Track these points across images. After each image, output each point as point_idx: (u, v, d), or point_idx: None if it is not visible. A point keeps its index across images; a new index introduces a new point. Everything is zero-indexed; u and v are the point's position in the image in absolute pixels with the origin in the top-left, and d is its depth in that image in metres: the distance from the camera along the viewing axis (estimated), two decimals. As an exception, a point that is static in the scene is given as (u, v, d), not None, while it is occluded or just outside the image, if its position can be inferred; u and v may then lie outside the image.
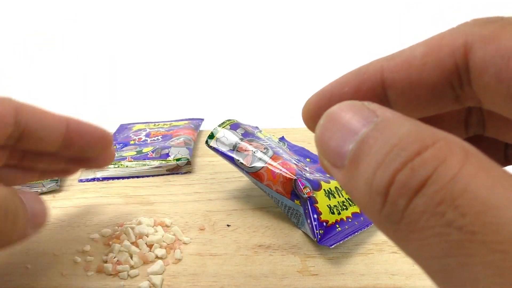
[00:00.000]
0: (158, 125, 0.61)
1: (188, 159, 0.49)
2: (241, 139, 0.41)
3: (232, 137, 0.41)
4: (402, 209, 0.12)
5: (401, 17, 0.97)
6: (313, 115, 0.17)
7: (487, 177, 0.11)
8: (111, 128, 0.62)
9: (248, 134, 0.42)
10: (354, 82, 0.16)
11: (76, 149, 0.31)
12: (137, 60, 0.88)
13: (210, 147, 0.42)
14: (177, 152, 0.50)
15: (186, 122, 0.61)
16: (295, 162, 0.41)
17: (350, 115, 0.14)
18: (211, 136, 0.42)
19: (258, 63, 0.87)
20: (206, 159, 0.52)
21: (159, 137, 0.56)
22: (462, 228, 0.10)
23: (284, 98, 0.74)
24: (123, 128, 0.62)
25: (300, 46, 0.92)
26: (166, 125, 0.61)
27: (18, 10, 0.93)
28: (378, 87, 0.16)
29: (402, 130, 0.12)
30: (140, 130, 0.59)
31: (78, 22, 0.92)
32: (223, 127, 0.42)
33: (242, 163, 0.40)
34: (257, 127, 0.46)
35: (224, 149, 0.41)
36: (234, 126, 0.43)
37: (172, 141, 0.54)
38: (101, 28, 0.93)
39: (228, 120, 0.44)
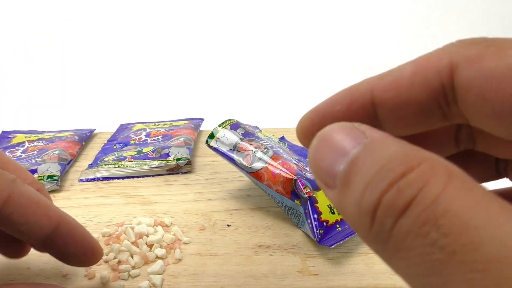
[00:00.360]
0: (158, 125, 0.61)
1: (188, 159, 0.49)
2: (241, 139, 0.41)
3: (232, 137, 0.41)
4: (389, 229, 0.12)
5: (402, 21, 0.97)
6: (307, 132, 0.18)
7: (469, 197, 0.11)
8: (111, 128, 0.62)
9: (248, 134, 0.42)
10: (346, 100, 0.17)
11: (54, 251, 0.28)
12: (137, 60, 0.88)
13: (210, 147, 0.42)
14: (177, 152, 0.50)
15: (186, 122, 0.61)
16: (295, 162, 0.41)
17: (341, 136, 0.14)
18: (211, 136, 0.42)
19: (258, 63, 0.87)
20: (206, 159, 0.52)
21: (159, 137, 0.56)
22: (444, 248, 0.11)
23: (284, 98, 0.74)
24: (123, 128, 0.62)
25: (300, 46, 0.92)
26: (166, 125, 0.61)
27: (18, 10, 0.93)
28: (368, 106, 0.17)
29: (389, 152, 0.13)
30: (140, 130, 0.59)
31: (78, 22, 0.92)
32: (223, 127, 0.42)
33: (242, 163, 0.40)
34: (257, 127, 0.46)
35: (224, 149, 0.41)
36: (234, 126, 0.43)
37: (172, 141, 0.54)
38: (101, 28, 0.93)
39: (228, 120, 0.44)
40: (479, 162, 0.20)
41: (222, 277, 0.33)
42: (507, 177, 0.20)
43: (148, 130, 0.59)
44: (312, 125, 0.18)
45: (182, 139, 0.54)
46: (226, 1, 0.95)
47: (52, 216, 0.26)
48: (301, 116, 0.19)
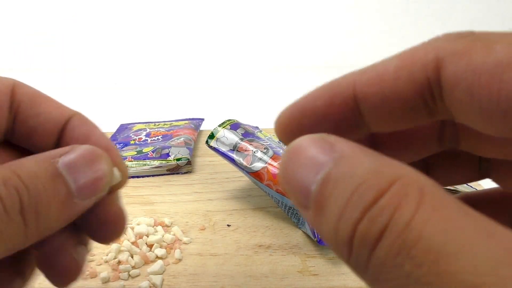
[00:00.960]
0: (158, 125, 0.61)
1: (188, 159, 0.49)
2: (241, 139, 0.41)
3: (232, 137, 0.41)
4: (366, 260, 0.12)
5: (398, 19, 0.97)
6: (285, 129, 0.17)
7: (442, 219, 0.11)
8: (111, 128, 0.62)
9: (248, 134, 0.42)
10: (327, 96, 0.16)
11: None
12: (137, 60, 0.88)
13: (210, 147, 0.42)
14: (177, 152, 0.50)
15: (186, 122, 0.61)
16: (295, 162, 0.41)
17: (311, 152, 0.14)
18: (211, 136, 0.42)
19: (259, 63, 0.87)
20: (206, 159, 0.52)
21: (159, 137, 0.56)
22: (419, 279, 0.10)
23: (284, 98, 0.74)
24: (123, 128, 0.62)
25: (300, 46, 0.92)
26: (167, 125, 0.61)
27: (18, 10, 0.93)
28: (350, 101, 0.16)
29: (360, 170, 0.12)
30: (140, 130, 0.59)
31: (78, 22, 0.92)
32: (223, 127, 0.43)
33: (242, 163, 0.40)
34: (257, 127, 0.46)
35: (224, 149, 0.41)
36: (234, 126, 0.43)
37: (172, 141, 0.54)
38: (101, 28, 0.93)
39: (228, 120, 0.44)
40: (463, 162, 0.20)
41: (222, 277, 0.33)
42: (489, 178, 0.19)
43: (148, 130, 0.59)
44: (291, 121, 0.17)
45: (182, 139, 0.54)
46: (227, 2, 0.95)
47: (63, 108, 0.22)
48: (280, 112, 0.18)
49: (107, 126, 0.62)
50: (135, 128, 0.60)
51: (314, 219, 0.13)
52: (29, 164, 0.18)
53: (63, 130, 0.22)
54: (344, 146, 0.13)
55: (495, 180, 0.19)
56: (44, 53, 0.88)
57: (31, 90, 0.23)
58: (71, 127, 0.22)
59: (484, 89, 0.13)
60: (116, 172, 0.21)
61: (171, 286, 0.33)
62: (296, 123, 0.17)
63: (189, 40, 0.92)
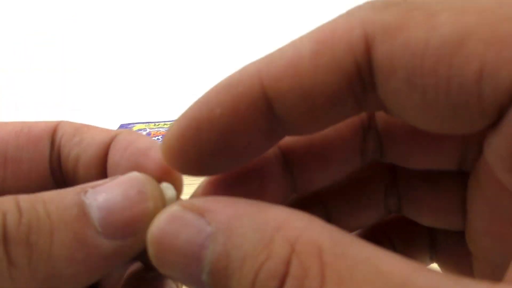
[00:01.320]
0: (159, 125, 0.61)
1: (188, 159, 0.49)
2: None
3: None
4: None
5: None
6: (178, 154, 0.13)
7: None
8: (111, 128, 0.62)
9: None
10: (227, 99, 0.12)
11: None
12: (137, 60, 0.88)
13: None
14: (177, 152, 0.50)
15: (186, 122, 0.62)
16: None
17: (181, 239, 0.11)
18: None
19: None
20: (206, 159, 0.52)
21: (159, 137, 0.56)
22: None
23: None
24: (123, 128, 0.62)
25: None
26: (167, 125, 0.61)
27: (18, 10, 0.93)
28: (260, 102, 0.12)
29: (245, 248, 0.10)
30: (140, 130, 0.59)
31: (78, 22, 0.92)
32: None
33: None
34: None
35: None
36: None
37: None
38: (101, 28, 0.93)
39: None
40: (366, 201, 0.17)
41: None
42: (400, 213, 0.17)
43: (148, 130, 0.59)
44: (184, 142, 0.13)
45: (163, 137, 0.54)
46: (227, 2, 0.95)
47: (108, 131, 0.19)
48: (166, 132, 0.14)
49: (107, 126, 0.62)
50: (135, 128, 0.60)
51: None
52: (49, 193, 0.13)
53: (108, 153, 0.18)
54: (218, 214, 0.11)
55: (408, 213, 0.17)
56: (44, 53, 0.88)
57: (75, 123, 0.19)
58: (114, 144, 0.18)
59: (428, 77, 0.10)
60: (168, 189, 0.16)
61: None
62: (191, 143, 0.13)
63: (189, 40, 0.92)
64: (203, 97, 0.13)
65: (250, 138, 0.12)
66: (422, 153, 0.15)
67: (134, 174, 0.14)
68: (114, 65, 0.86)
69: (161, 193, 0.15)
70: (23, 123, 0.18)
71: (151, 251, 0.12)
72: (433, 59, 0.10)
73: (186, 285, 0.12)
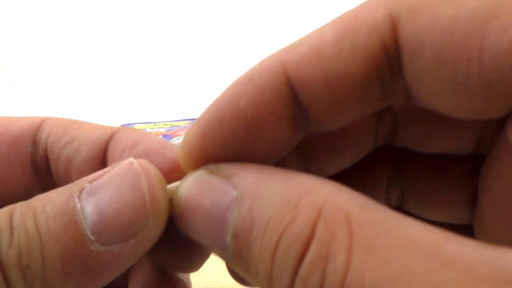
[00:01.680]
0: (159, 125, 0.61)
1: (188, 159, 0.49)
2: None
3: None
4: None
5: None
6: (198, 157, 0.13)
7: (380, 261, 0.09)
8: (111, 128, 0.62)
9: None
10: (251, 90, 0.12)
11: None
12: (137, 60, 0.88)
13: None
14: (177, 152, 0.50)
15: (187, 122, 0.61)
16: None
17: (207, 200, 0.11)
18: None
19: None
20: (206, 159, 0.52)
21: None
22: None
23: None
24: (123, 128, 0.62)
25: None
26: (167, 125, 0.61)
27: (18, 10, 0.93)
28: (284, 91, 0.11)
29: (271, 211, 0.10)
30: (140, 130, 0.59)
31: (78, 22, 0.92)
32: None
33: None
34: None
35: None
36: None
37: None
38: (102, 28, 0.93)
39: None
40: (369, 187, 0.16)
41: (222, 277, 0.33)
42: (402, 208, 0.17)
43: (148, 130, 0.59)
44: (207, 143, 0.12)
45: (182, 139, 0.54)
46: (228, 2, 0.95)
47: (103, 128, 0.17)
48: (185, 133, 0.13)
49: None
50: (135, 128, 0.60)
51: (242, 273, 0.11)
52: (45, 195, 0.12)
53: (106, 152, 0.16)
54: (243, 179, 0.11)
55: (411, 207, 0.16)
56: (44, 53, 0.88)
57: (63, 119, 0.17)
58: (115, 143, 0.16)
59: (459, 52, 0.10)
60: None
61: (171, 286, 0.32)
62: (215, 141, 0.12)
63: (190, 39, 0.92)
64: (225, 91, 0.12)
65: (274, 132, 0.12)
66: (439, 136, 0.14)
67: (128, 165, 0.13)
68: (114, 65, 0.86)
69: (164, 190, 0.13)
70: (1, 119, 0.16)
71: (177, 213, 0.12)
72: (464, 32, 0.10)
73: (210, 248, 0.12)
